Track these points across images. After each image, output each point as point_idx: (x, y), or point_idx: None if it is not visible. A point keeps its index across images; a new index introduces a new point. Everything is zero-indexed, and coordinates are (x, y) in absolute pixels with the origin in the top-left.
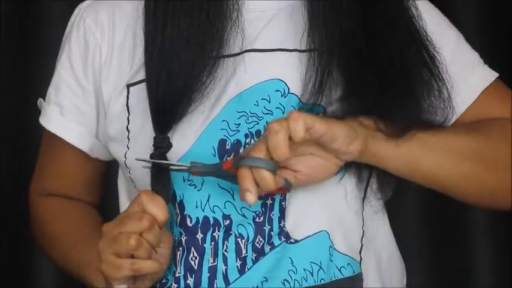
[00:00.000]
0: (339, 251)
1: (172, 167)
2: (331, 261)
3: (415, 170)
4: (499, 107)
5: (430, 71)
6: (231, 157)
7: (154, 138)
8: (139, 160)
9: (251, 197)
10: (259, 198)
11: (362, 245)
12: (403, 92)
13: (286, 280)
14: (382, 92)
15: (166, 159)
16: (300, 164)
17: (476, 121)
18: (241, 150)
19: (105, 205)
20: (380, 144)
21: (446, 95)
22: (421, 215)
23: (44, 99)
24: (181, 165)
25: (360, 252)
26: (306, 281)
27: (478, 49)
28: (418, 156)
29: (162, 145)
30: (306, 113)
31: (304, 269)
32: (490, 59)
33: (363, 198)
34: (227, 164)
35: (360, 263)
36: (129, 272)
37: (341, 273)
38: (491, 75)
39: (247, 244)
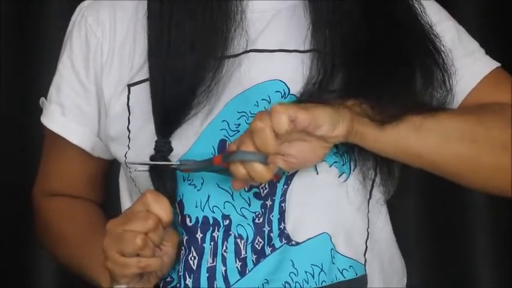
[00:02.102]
0: (341, 254)
1: (163, 166)
2: (333, 263)
3: (403, 150)
4: (500, 94)
5: (436, 64)
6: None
7: (155, 142)
8: (131, 164)
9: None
10: (259, 198)
11: (367, 247)
12: (404, 84)
13: (287, 282)
14: (380, 84)
15: (168, 161)
16: (290, 148)
17: (474, 105)
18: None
19: (106, 204)
20: (366, 125)
21: (449, 85)
22: (420, 215)
23: (46, 99)
24: (172, 164)
25: (365, 254)
26: (307, 283)
27: None
28: (406, 137)
29: (163, 149)
30: (288, 104)
31: (305, 271)
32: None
33: (368, 200)
34: (217, 160)
35: (365, 265)
36: (135, 269)
37: (343, 275)
38: (493, 63)
39: (246, 245)
